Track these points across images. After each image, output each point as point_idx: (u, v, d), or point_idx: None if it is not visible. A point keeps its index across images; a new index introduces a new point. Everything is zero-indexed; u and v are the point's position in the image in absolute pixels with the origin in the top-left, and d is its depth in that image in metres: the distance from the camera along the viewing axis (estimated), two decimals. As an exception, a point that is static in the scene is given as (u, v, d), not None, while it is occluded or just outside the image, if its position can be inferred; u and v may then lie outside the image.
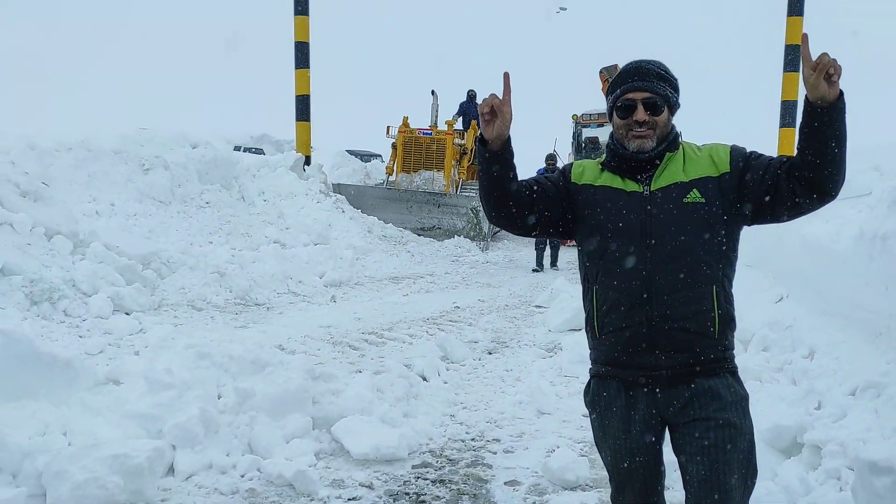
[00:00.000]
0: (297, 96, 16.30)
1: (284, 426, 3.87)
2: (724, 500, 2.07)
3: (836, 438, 3.27)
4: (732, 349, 2.20)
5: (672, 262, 2.08)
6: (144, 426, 3.53)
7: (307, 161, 14.97)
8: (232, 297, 7.95)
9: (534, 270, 11.92)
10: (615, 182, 2.18)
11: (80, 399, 3.79)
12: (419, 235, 14.32)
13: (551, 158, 12.97)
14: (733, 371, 2.19)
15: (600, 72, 15.58)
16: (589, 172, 2.25)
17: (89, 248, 7.17)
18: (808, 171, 1.99)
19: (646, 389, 2.14)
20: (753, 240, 7.41)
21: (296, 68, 16.21)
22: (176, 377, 3.79)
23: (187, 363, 3.96)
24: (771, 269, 6.66)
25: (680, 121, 2.32)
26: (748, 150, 2.19)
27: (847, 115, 1.97)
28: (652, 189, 2.14)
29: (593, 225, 2.18)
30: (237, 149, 23.78)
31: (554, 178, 2.29)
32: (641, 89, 2.13)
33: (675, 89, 2.19)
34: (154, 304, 7.07)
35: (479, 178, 2.22)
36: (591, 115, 17.33)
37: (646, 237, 2.10)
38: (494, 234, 16.16)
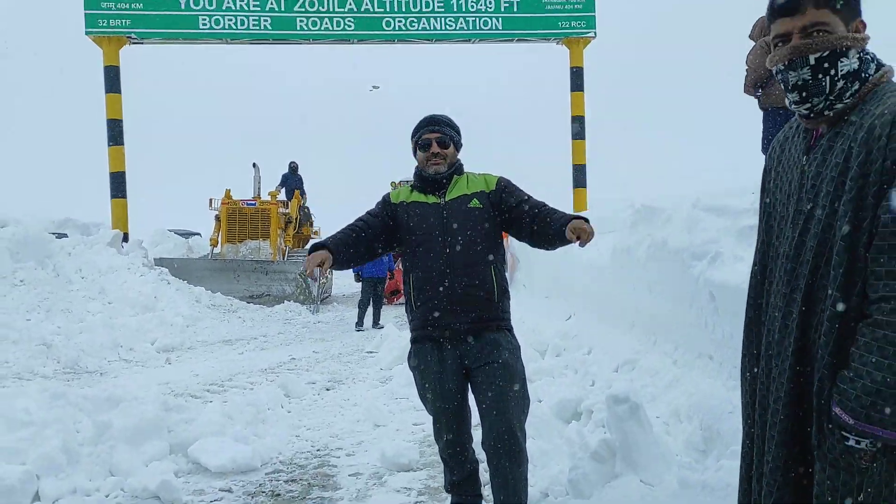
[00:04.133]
0: (112, 173, 16.07)
1: (143, 452, 4.22)
2: (507, 420, 2.88)
3: (603, 401, 4.23)
4: (508, 313, 3.07)
5: (462, 250, 2.96)
6: (7, 459, 3.75)
7: (125, 238, 14.76)
8: (60, 368, 7.88)
9: (357, 329, 12.02)
10: (420, 198, 3.10)
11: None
12: (248, 303, 14.47)
13: None
14: (510, 329, 3.06)
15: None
16: (402, 194, 3.17)
17: None
18: (540, 243, 3.00)
19: (450, 345, 2.93)
20: (549, 276, 8.65)
21: (109, 146, 16.05)
22: (34, 416, 4.03)
23: (44, 403, 4.20)
24: (563, 297, 7.86)
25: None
26: (506, 184, 3.12)
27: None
28: (446, 200, 3.03)
29: (409, 229, 3.06)
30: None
31: (377, 209, 3.16)
32: (435, 132, 3.09)
33: (458, 132, 3.19)
34: (-22, 378, 6.92)
35: None
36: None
37: (444, 233, 2.96)
38: (324, 298, 16.64)
